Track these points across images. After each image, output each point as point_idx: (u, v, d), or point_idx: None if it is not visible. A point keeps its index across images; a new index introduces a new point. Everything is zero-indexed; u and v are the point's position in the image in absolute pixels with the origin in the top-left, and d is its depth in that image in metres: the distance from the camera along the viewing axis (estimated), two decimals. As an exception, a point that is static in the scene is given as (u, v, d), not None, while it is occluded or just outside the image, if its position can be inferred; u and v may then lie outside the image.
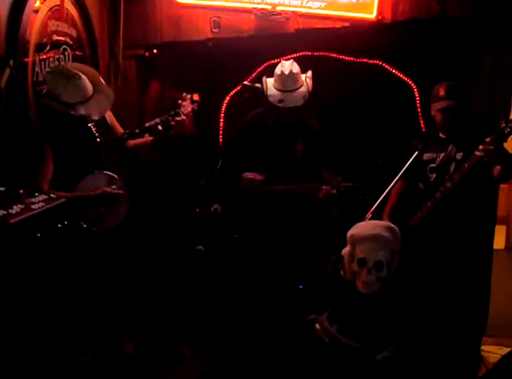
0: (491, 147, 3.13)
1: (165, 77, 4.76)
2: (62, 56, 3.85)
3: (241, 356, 3.68)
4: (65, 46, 3.88)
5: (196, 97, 3.55)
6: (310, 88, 3.75)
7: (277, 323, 3.43)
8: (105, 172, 3.37)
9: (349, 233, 2.76)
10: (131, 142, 3.62)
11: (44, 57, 3.68)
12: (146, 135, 3.58)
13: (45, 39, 3.68)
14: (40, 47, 3.64)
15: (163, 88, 4.84)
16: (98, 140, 3.43)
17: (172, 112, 3.46)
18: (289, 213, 3.81)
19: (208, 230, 3.74)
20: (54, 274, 3.15)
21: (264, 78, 3.80)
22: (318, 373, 2.71)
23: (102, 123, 3.50)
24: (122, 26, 4.31)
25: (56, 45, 3.80)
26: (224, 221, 3.88)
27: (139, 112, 4.63)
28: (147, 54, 4.47)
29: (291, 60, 3.79)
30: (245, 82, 3.67)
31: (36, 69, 3.61)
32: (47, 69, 3.59)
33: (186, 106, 3.50)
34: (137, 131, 3.51)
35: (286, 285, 3.57)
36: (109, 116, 3.56)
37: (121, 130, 3.64)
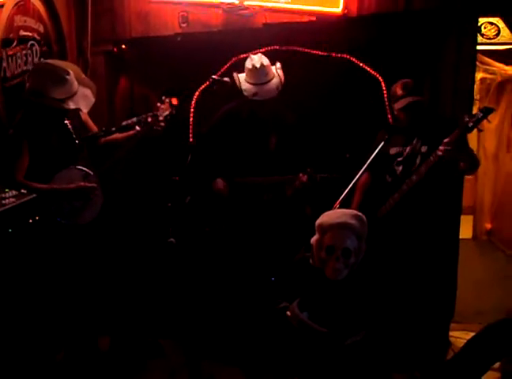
0: (450, 147, 3.25)
1: (134, 73, 4.76)
2: (29, 51, 3.83)
3: (216, 347, 3.72)
4: (32, 42, 3.85)
5: (175, 101, 3.58)
6: (283, 79, 3.83)
7: (250, 312, 3.48)
8: (80, 167, 3.40)
9: (317, 221, 2.82)
10: (102, 139, 3.64)
11: (11, 52, 3.65)
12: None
13: (12, 35, 3.65)
14: (7, 43, 3.61)
15: (133, 84, 4.84)
16: (74, 136, 3.47)
17: (150, 114, 3.50)
18: (263, 206, 3.85)
19: (179, 223, 3.76)
20: (26, 269, 3.15)
21: (235, 74, 3.86)
22: (291, 359, 2.76)
23: (77, 120, 3.54)
24: (89, 21, 4.28)
25: (23, 40, 3.77)
26: (196, 214, 3.92)
27: (108, 108, 4.61)
28: (115, 49, 4.45)
29: (260, 53, 3.86)
30: (213, 76, 3.66)
31: (4, 64, 3.59)
32: (33, 66, 3.62)
33: (164, 109, 3.53)
34: (114, 129, 3.55)
35: (258, 276, 3.60)
36: (83, 113, 3.58)
37: (94, 127, 3.68)
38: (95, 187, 3.38)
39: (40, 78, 3.32)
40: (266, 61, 3.80)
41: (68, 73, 3.33)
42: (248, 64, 3.80)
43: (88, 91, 3.44)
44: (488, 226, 6.91)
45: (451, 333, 4.08)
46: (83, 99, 3.39)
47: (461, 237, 4.39)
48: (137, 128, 3.52)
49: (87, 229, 3.42)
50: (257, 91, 3.76)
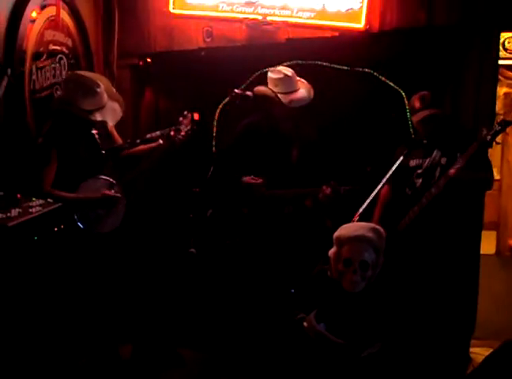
0: (464, 162, 3.31)
1: (159, 87, 4.83)
2: (58, 65, 3.95)
3: (235, 358, 3.74)
4: (61, 56, 3.97)
5: (196, 116, 3.68)
6: (310, 86, 3.84)
7: (269, 324, 3.50)
8: (105, 177, 3.49)
9: (335, 234, 2.85)
10: (126, 151, 3.73)
11: (41, 65, 3.78)
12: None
13: (42, 49, 3.77)
14: (37, 56, 3.73)
15: (158, 98, 4.92)
16: (100, 146, 3.56)
17: (173, 128, 3.59)
18: (283, 219, 3.84)
19: (201, 234, 3.81)
20: (51, 276, 3.23)
21: (257, 88, 3.85)
22: (307, 370, 2.78)
23: (103, 130, 3.62)
24: (116, 36, 4.40)
25: (52, 54, 3.89)
26: (217, 226, 3.95)
27: (133, 121, 4.70)
28: (141, 63, 4.55)
29: (281, 66, 3.88)
30: (236, 90, 3.72)
31: (33, 77, 3.71)
32: (63, 78, 3.74)
33: (186, 124, 3.63)
34: (138, 141, 3.65)
35: (276, 287, 3.62)
36: (109, 125, 3.66)
37: (119, 139, 3.78)
38: (119, 197, 3.46)
39: (71, 88, 3.43)
40: (292, 71, 3.82)
41: (99, 86, 3.42)
42: (276, 74, 3.78)
43: (116, 106, 3.53)
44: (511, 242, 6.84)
45: (472, 349, 4.04)
46: (111, 113, 3.49)
47: (483, 252, 4.37)
48: (160, 141, 3.60)
49: (109, 238, 3.49)
50: (292, 98, 3.75)
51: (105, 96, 3.46)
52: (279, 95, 3.74)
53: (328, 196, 3.71)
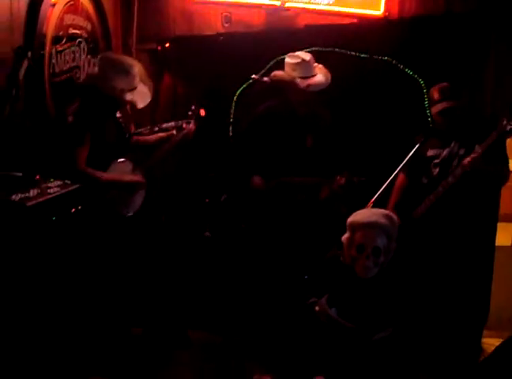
0: (478, 158, 3.31)
1: (177, 71, 4.86)
2: (77, 48, 3.99)
3: (246, 341, 3.78)
4: (80, 39, 4.02)
5: (203, 113, 3.71)
6: (328, 72, 3.81)
7: (281, 307, 3.53)
8: (129, 161, 3.53)
9: (349, 220, 2.87)
10: (141, 138, 3.78)
11: (60, 49, 3.82)
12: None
13: (61, 32, 3.82)
14: (57, 40, 3.78)
15: (176, 82, 4.95)
16: (124, 130, 3.61)
17: (185, 120, 3.69)
18: (297, 206, 3.85)
19: (216, 218, 3.85)
20: (67, 256, 3.28)
21: (274, 73, 3.84)
22: (318, 354, 2.81)
23: (125, 117, 3.68)
24: (135, 20, 4.42)
25: (72, 38, 3.94)
26: (233, 211, 3.98)
27: (152, 106, 4.72)
28: (159, 47, 4.57)
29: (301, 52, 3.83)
30: (253, 75, 3.73)
31: (53, 60, 3.75)
32: (101, 55, 3.68)
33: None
34: (156, 129, 3.73)
35: (290, 273, 3.65)
36: (130, 113, 3.83)
37: (132, 126, 3.85)
38: (143, 181, 3.51)
39: (107, 66, 3.42)
40: (306, 55, 3.80)
41: (133, 67, 3.43)
42: (294, 59, 3.75)
43: (146, 89, 3.52)
44: (528, 234, 6.78)
45: (484, 340, 4.03)
46: (141, 95, 3.48)
47: (499, 244, 4.35)
48: (174, 132, 3.66)
49: (127, 221, 3.53)
50: (309, 83, 3.72)
51: (137, 78, 3.47)
52: (296, 79, 3.72)
53: (342, 186, 3.71)
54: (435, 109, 3.57)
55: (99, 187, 3.35)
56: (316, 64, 3.83)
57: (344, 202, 3.92)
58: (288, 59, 3.80)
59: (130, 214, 3.51)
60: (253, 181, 3.90)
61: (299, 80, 3.72)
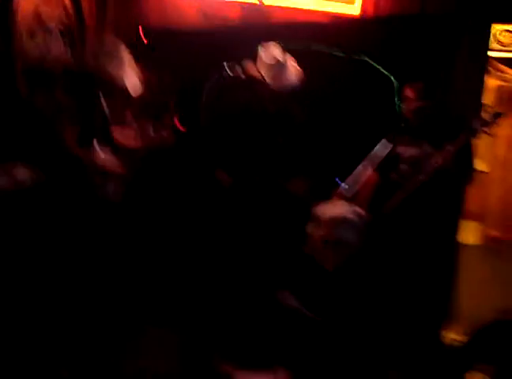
0: (453, 150, 3.40)
1: (152, 65, 4.84)
2: (50, 38, 3.96)
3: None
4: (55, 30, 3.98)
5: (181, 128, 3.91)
6: (300, 70, 3.85)
7: (248, 299, 3.55)
8: None
9: (315, 212, 2.90)
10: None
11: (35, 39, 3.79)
12: None
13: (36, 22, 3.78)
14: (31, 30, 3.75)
15: (150, 75, 4.92)
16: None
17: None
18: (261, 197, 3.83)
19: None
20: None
21: (252, 67, 3.85)
22: (283, 346, 2.84)
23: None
24: (110, 13, 4.40)
25: (47, 28, 3.91)
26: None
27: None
28: (134, 40, 4.55)
29: (273, 44, 3.86)
30: (226, 70, 3.74)
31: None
32: None
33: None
34: None
35: (256, 265, 3.67)
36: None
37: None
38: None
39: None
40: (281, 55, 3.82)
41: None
42: (268, 58, 3.80)
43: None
44: (495, 233, 6.89)
45: (445, 334, 4.11)
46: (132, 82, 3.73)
47: (467, 242, 4.42)
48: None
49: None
50: (279, 81, 3.78)
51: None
52: (266, 77, 3.77)
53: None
54: (409, 107, 3.63)
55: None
56: (289, 60, 3.85)
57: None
58: (262, 54, 3.81)
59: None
60: (217, 175, 3.88)
61: (268, 79, 3.76)
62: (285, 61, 3.78)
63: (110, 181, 3.61)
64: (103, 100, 3.73)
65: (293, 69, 3.85)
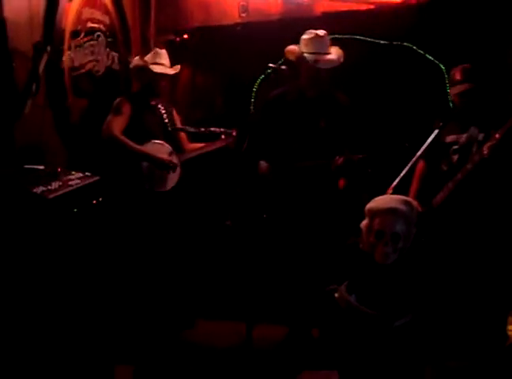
0: (496, 145, 3.26)
1: (195, 62, 4.88)
2: (96, 42, 4.03)
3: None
4: (98, 33, 4.06)
5: (234, 133, 3.92)
6: (342, 53, 3.74)
7: (302, 294, 3.55)
8: (167, 144, 3.88)
9: (367, 206, 2.85)
10: (191, 145, 4.09)
11: (79, 43, 3.87)
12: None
13: (80, 27, 3.87)
14: (75, 34, 3.83)
15: (194, 73, 4.97)
16: (166, 121, 3.96)
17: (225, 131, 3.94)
18: (312, 193, 3.76)
19: (238, 207, 3.87)
20: (89, 249, 3.33)
21: (289, 47, 3.79)
22: (339, 341, 2.81)
23: (169, 113, 4.01)
24: (153, 12, 4.45)
25: (90, 32, 3.98)
26: (253, 200, 3.97)
27: (170, 97, 4.76)
28: (177, 39, 4.59)
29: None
30: (270, 64, 3.71)
31: (72, 55, 3.80)
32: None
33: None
34: (203, 130, 3.92)
35: (311, 260, 3.65)
36: (175, 114, 4.09)
37: (178, 122, 4.11)
38: (176, 164, 3.84)
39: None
40: (327, 35, 3.74)
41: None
42: (308, 34, 3.71)
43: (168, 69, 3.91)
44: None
45: (510, 327, 3.99)
46: (168, 67, 3.88)
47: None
48: (222, 136, 3.92)
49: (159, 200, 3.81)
50: (318, 58, 3.65)
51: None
52: (306, 54, 3.67)
53: (339, 166, 3.65)
54: (456, 90, 3.53)
55: (132, 156, 3.72)
56: (333, 45, 3.76)
57: (365, 189, 3.89)
58: (303, 35, 3.76)
59: (163, 190, 3.85)
60: (259, 167, 3.86)
61: (308, 55, 3.66)
62: (324, 36, 3.69)
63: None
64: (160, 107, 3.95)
65: (334, 49, 3.75)
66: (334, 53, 3.72)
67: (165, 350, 3.67)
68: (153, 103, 3.92)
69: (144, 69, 3.82)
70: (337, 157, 3.65)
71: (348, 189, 3.88)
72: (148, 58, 3.87)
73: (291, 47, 3.76)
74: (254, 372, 3.41)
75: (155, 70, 3.79)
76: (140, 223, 3.78)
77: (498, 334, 3.80)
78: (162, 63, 3.86)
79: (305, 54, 3.67)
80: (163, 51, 3.93)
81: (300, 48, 3.72)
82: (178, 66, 3.97)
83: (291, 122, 3.81)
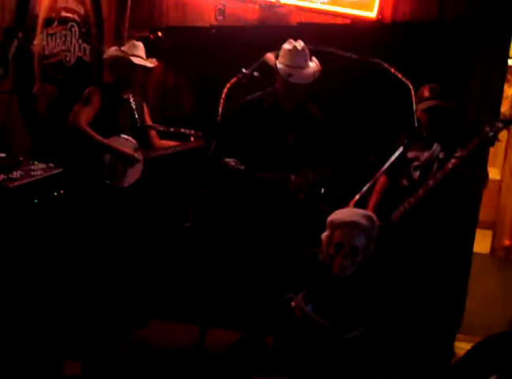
0: (464, 156, 3.34)
1: (168, 61, 4.84)
2: (68, 32, 3.97)
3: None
4: (72, 23, 4.00)
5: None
6: (319, 68, 3.68)
7: (259, 301, 3.56)
8: (133, 140, 3.86)
9: (329, 218, 2.89)
10: (160, 142, 4.06)
11: (52, 32, 3.81)
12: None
13: (54, 15, 3.81)
14: (49, 22, 3.77)
15: (166, 72, 4.93)
16: (136, 117, 3.93)
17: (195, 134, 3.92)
18: (276, 202, 3.77)
19: (199, 210, 3.86)
20: (48, 239, 3.29)
21: (268, 54, 3.74)
22: (293, 349, 2.83)
23: (140, 109, 3.99)
24: (129, 7, 4.40)
25: (64, 21, 3.92)
26: (215, 203, 3.97)
27: (140, 94, 4.72)
28: (151, 36, 4.55)
29: (299, 40, 3.71)
30: (244, 70, 3.70)
31: (43, 42, 3.74)
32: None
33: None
34: (172, 130, 3.91)
35: (268, 267, 3.67)
36: (146, 109, 4.07)
37: (148, 119, 4.09)
38: (139, 160, 3.84)
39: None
40: (307, 50, 3.68)
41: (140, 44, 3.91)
42: (288, 45, 3.65)
43: (149, 67, 3.95)
44: (507, 242, 6.88)
45: (456, 344, 4.09)
46: (143, 64, 3.85)
47: (478, 251, 4.39)
48: (192, 139, 3.93)
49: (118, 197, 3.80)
50: (292, 73, 3.59)
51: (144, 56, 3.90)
52: (280, 65, 3.62)
53: (296, 184, 3.68)
54: (423, 106, 3.62)
55: (96, 148, 3.67)
56: (312, 59, 3.73)
57: (322, 199, 3.93)
58: (284, 45, 3.71)
59: (122, 185, 3.82)
60: (226, 163, 3.80)
61: (282, 67, 3.62)
62: (302, 50, 3.64)
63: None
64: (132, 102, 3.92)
65: (312, 65, 3.71)
66: (312, 67, 3.68)
67: (115, 348, 3.64)
68: (125, 96, 3.88)
69: (121, 60, 3.78)
70: (293, 176, 3.67)
71: (308, 200, 3.91)
72: (125, 49, 3.83)
73: (269, 56, 3.73)
74: (204, 375, 3.42)
75: (134, 61, 3.75)
76: (97, 217, 3.74)
77: (445, 350, 3.91)
78: (139, 55, 3.82)
79: (279, 66, 3.63)
80: (140, 44, 3.90)
81: (277, 58, 3.68)
82: (155, 59, 3.95)
83: (261, 132, 3.77)
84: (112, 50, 3.87)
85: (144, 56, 3.87)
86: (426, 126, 3.65)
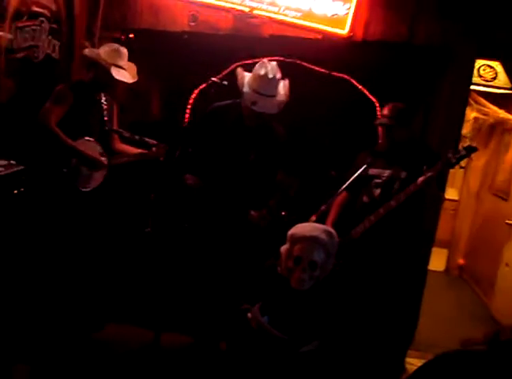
0: (430, 179, 3.37)
1: (139, 64, 4.80)
2: (38, 27, 3.91)
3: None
4: (42, 18, 3.94)
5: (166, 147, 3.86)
6: (287, 98, 3.55)
7: (215, 310, 3.55)
8: (99, 144, 3.80)
9: (290, 232, 2.91)
10: (120, 146, 4.00)
11: (21, 25, 3.74)
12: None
13: (24, 8, 3.73)
14: (18, 16, 3.69)
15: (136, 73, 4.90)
16: (105, 119, 3.86)
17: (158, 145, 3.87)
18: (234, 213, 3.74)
19: (160, 215, 3.85)
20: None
21: (239, 69, 3.60)
22: (247, 360, 2.84)
23: (111, 110, 3.93)
24: (101, 6, 4.37)
25: (34, 15, 3.85)
26: (177, 209, 3.96)
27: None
28: (123, 37, 4.52)
29: (275, 63, 3.56)
30: (213, 78, 3.69)
31: (11, 36, 3.67)
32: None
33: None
34: (137, 138, 3.87)
35: (225, 277, 3.67)
36: (115, 111, 3.98)
37: (115, 127, 4.01)
38: (105, 165, 3.78)
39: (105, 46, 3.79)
40: (279, 75, 3.51)
41: (123, 50, 3.81)
42: (260, 70, 3.48)
43: (130, 75, 3.81)
44: (461, 261, 7.04)
45: (408, 359, 4.16)
46: (124, 76, 3.75)
47: (433, 268, 4.46)
48: (153, 149, 3.85)
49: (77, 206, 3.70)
50: (257, 100, 3.45)
51: (125, 62, 3.81)
52: (246, 89, 3.50)
53: (256, 220, 3.70)
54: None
55: (62, 150, 3.61)
56: (285, 81, 3.60)
57: (285, 208, 3.96)
58: (257, 66, 3.56)
59: (86, 189, 3.75)
60: (186, 179, 3.76)
61: (249, 92, 3.49)
62: (273, 79, 3.48)
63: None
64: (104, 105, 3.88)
65: (281, 91, 3.57)
66: (279, 96, 3.54)
67: (67, 351, 3.59)
68: (98, 97, 3.83)
69: (102, 68, 3.67)
70: (253, 212, 3.68)
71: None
72: (106, 54, 3.69)
73: (240, 72, 3.59)
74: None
75: (116, 76, 3.65)
76: (57, 218, 3.68)
77: (396, 366, 3.97)
78: (121, 66, 3.72)
79: (245, 90, 3.49)
80: (124, 50, 3.79)
81: (249, 79, 3.54)
82: (135, 70, 3.86)
83: (224, 144, 3.71)
84: (93, 52, 3.75)
85: (126, 65, 3.76)
86: (385, 143, 3.69)
